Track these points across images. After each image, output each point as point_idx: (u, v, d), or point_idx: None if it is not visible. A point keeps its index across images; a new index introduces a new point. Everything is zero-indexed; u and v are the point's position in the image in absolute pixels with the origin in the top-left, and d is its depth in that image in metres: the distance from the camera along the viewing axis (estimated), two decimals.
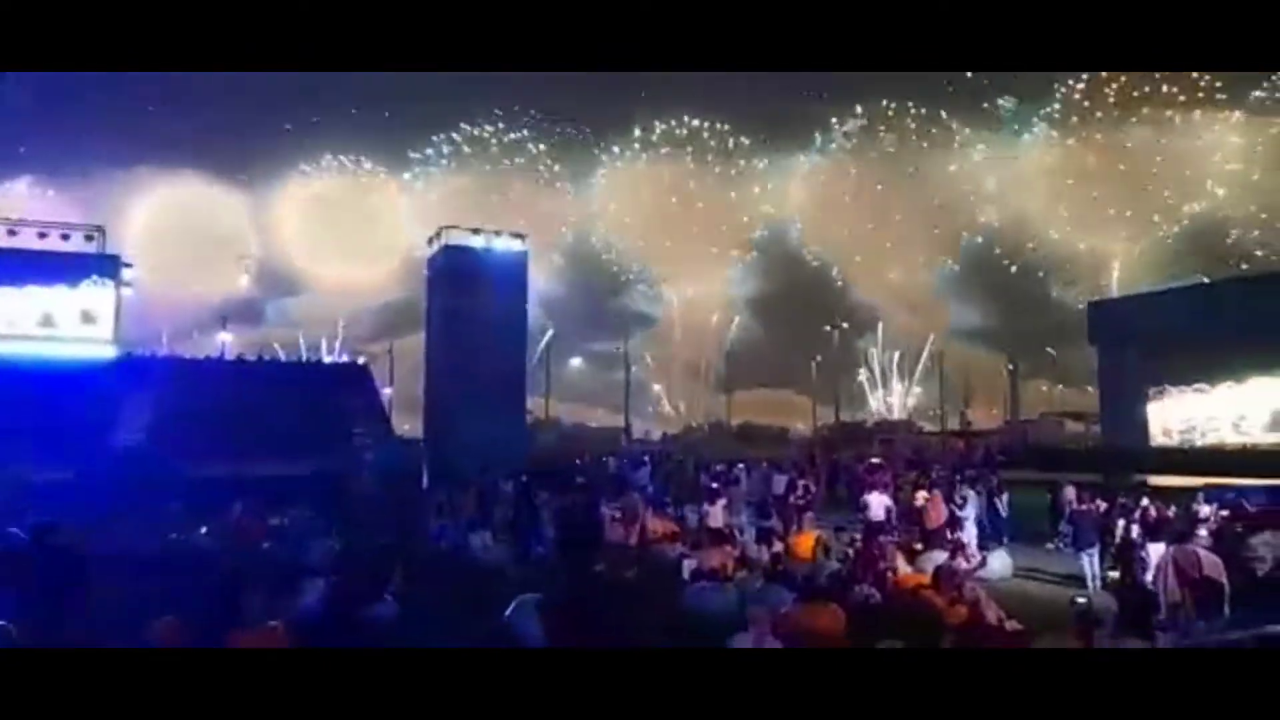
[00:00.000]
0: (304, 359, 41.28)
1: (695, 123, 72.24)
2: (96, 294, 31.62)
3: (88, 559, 13.29)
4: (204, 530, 15.76)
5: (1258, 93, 59.18)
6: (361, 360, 43.54)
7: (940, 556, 12.28)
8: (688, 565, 12.33)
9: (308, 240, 69.40)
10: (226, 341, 51.69)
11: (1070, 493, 16.33)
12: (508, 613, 8.70)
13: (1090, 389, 52.03)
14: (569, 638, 7.73)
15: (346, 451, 25.60)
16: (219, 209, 68.29)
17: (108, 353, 31.17)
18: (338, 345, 64.33)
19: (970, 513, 15.71)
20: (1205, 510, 13.79)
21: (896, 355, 74.36)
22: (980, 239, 69.74)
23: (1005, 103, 67.88)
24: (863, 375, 75.05)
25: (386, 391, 49.19)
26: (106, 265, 32.36)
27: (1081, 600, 8.55)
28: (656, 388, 78.36)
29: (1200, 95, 61.40)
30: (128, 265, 33.40)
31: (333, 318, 66.87)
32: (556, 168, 73.01)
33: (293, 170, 70.99)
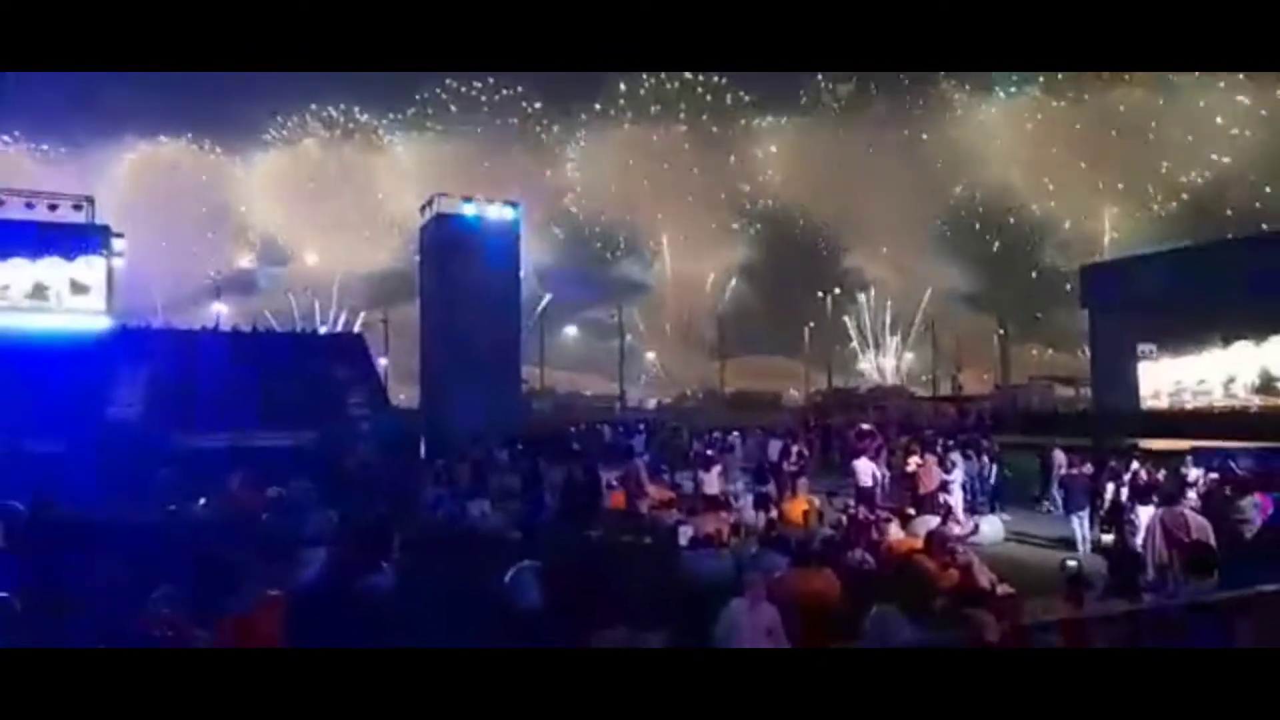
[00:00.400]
0: (299, 329, 41.15)
1: (687, 78, 71.29)
2: (87, 265, 31.38)
3: (86, 532, 13.42)
4: (202, 502, 15.80)
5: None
6: (357, 330, 43.48)
7: (932, 521, 12.41)
8: (684, 532, 12.44)
9: (302, 209, 68.87)
10: (221, 312, 51.56)
11: (1060, 456, 16.47)
12: (506, 579, 8.81)
13: (1081, 353, 52.32)
14: (567, 604, 7.83)
15: (343, 422, 25.66)
16: (212, 178, 67.77)
17: (100, 324, 31.01)
18: (333, 315, 64.24)
19: (959, 477, 15.85)
20: (1194, 473, 13.92)
21: (889, 321, 74.58)
22: (972, 203, 69.55)
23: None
24: (855, 341, 75.31)
25: (382, 361, 49.18)
26: (96, 235, 32.09)
27: (1072, 563, 8.67)
28: (650, 355, 78.44)
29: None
30: (118, 235, 33.12)
31: (328, 287, 66.67)
32: (550, 132, 72.28)
33: (286, 138, 70.26)
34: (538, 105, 71.17)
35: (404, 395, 48.78)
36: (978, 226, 69.72)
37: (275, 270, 71.34)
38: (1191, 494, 11.49)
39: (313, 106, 69.82)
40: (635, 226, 74.82)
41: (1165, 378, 35.03)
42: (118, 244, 32.76)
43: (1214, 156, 59.17)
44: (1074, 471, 13.05)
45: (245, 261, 68.26)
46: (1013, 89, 68.08)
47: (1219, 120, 59.55)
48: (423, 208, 33.54)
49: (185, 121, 65.31)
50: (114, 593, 8.24)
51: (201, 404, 24.19)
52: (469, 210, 31.92)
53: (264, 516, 14.12)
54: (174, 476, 18.87)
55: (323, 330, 39.15)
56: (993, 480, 17.19)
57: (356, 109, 70.60)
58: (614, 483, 16.51)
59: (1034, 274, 68.01)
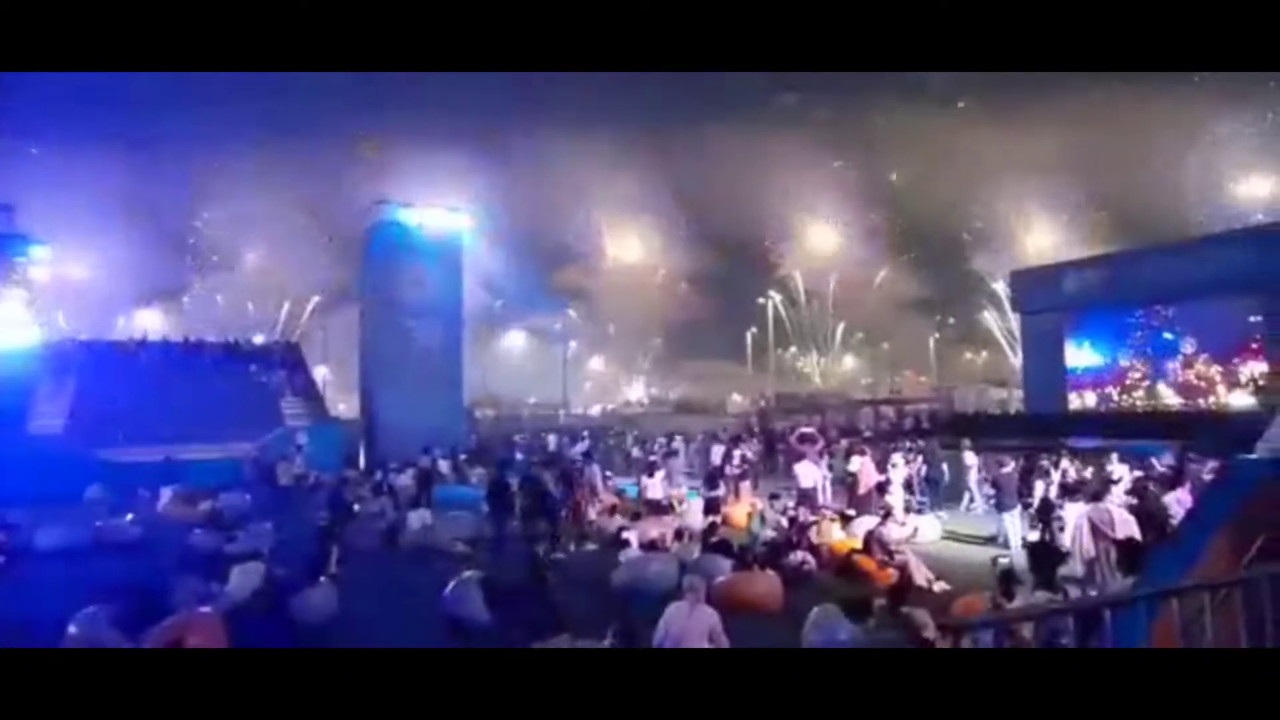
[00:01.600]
0: (233, 339, 40.03)
1: (632, 82, 71.25)
2: (7, 274, 30.12)
3: (9, 551, 12.88)
4: (130, 518, 15.29)
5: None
6: (293, 339, 42.47)
7: (871, 522, 12.63)
8: (628, 537, 12.45)
9: (238, 214, 66.92)
10: (151, 322, 49.95)
11: (969, 457, 17.33)
12: (447, 591, 8.70)
13: (1013, 356, 53.89)
14: (509, 614, 7.76)
15: (279, 433, 25.05)
16: (141, 183, 65.38)
17: (22, 336, 29.76)
18: (269, 323, 62.73)
19: (897, 478, 16.21)
20: (1119, 471, 14.42)
21: (830, 325, 75.79)
22: (910, 209, 71.06)
23: (929, 79, 69.21)
24: (796, 346, 76.32)
25: (320, 370, 48.15)
26: (16, 245, 30.82)
27: (1004, 560, 8.93)
28: (595, 362, 78.36)
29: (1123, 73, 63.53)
30: (40, 244, 31.87)
31: (264, 295, 65.06)
32: (494, 137, 71.49)
33: (220, 140, 68.09)
34: (482, 109, 70.25)
35: (343, 405, 47.84)
36: (915, 232, 71.28)
37: (209, 278, 69.24)
38: (1117, 491, 11.87)
39: (248, 107, 67.76)
40: (579, 233, 74.72)
41: (1092, 379, 36.33)
42: (40, 252, 31.52)
43: (1142, 166, 61.55)
44: (1007, 471, 13.40)
45: (177, 269, 66.09)
46: (956, 99, 69.77)
47: (1145, 130, 62.01)
48: (364, 213, 32.97)
49: (113, 123, 63.04)
50: (37, 615, 7.92)
51: (130, 417, 23.35)
52: (411, 217, 31.42)
53: (196, 532, 13.70)
54: (102, 493, 18.29)
55: (258, 339, 38.13)
56: (929, 480, 17.57)
57: (294, 111, 68.79)
58: (559, 490, 16.43)
59: (969, 279, 69.84)
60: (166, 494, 17.70)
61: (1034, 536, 11.80)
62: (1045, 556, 8.29)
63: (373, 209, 31.92)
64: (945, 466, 18.09)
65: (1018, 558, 10.40)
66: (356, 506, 16.40)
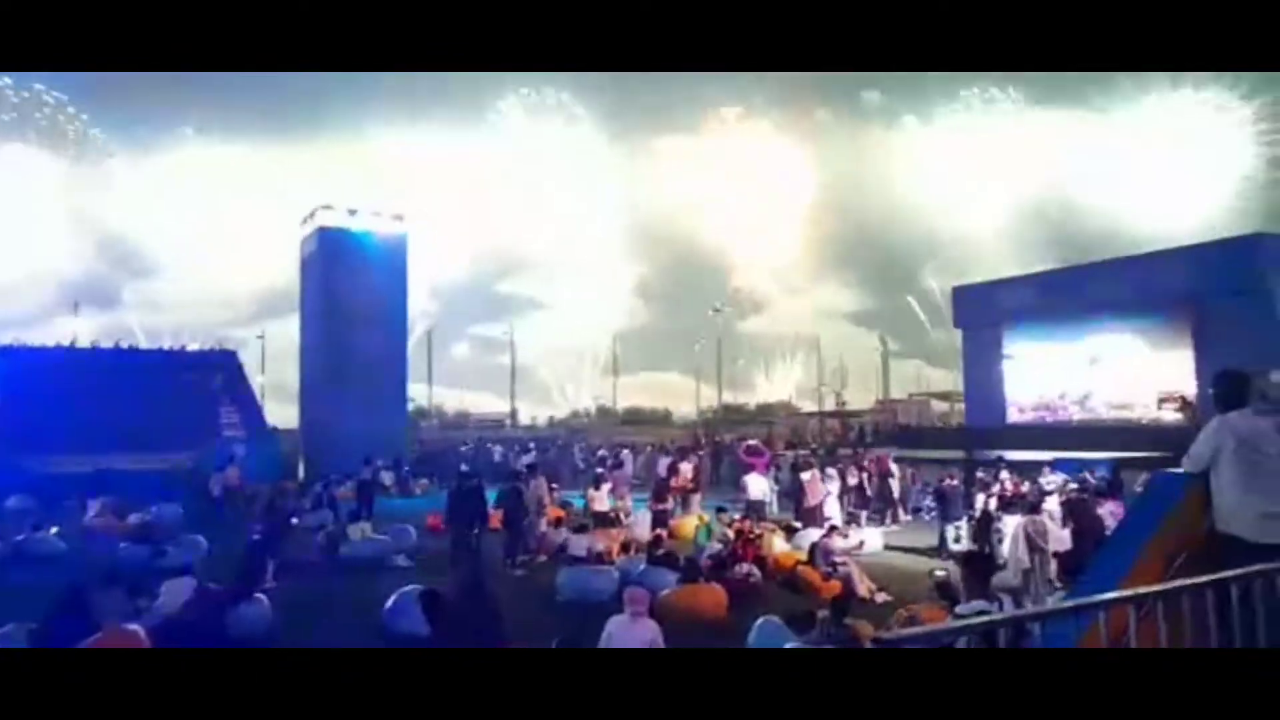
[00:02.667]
0: (167, 346, 38.84)
1: (579, 89, 71.53)
2: None
3: None
4: (54, 531, 14.71)
5: (1098, 96, 64.04)
6: (230, 346, 41.29)
7: (815, 534, 12.75)
8: (573, 549, 12.37)
9: (172, 217, 65.05)
10: (80, 328, 48.19)
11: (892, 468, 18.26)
12: (387, 606, 8.52)
13: (956, 370, 55.04)
14: (449, 628, 7.61)
15: (214, 443, 24.35)
16: (70, 184, 63.22)
17: None
18: (205, 330, 60.98)
19: (834, 489, 16.42)
20: (1054, 483, 14.81)
21: (777, 338, 76.57)
22: (856, 224, 72.33)
23: (871, 96, 70.97)
24: (744, 358, 76.93)
25: (259, 379, 46.99)
26: None
27: (940, 573, 9.08)
28: (543, 372, 78.00)
29: (1046, 93, 65.94)
30: None
31: (200, 301, 63.30)
32: (438, 142, 70.74)
33: (155, 141, 66.26)
34: (427, 114, 69.49)
35: (283, 415, 46.74)
36: (862, 246, 72.55)
37: (141, 283, 67.12)
38: (1052, 503, 12.16)
39: (185, 109, 66.07)
40: (528, 242, 74.37)
41: (1030, 394, 37.23)
42: None
43: (1080, 184, 63.80)
44: (953, 483, 13.66)
45: (107, 273, 63.89)
46: (886, 120, 71.35)
47: (1088, 149, 64.38)
48: (304, 220, 32.26)
49: (40, 121, 60.99)
50: None
51: (57, 426, 22.50)
52: (353, 223, 30.86)
53: (124, 545, 13.22)
54: (24, 504, 17.59)
55: (194, 346, 37.07)
56: (870, 492, 17.86)
57: (232, 114, 67.21)
58: (502, 501, 16.26)
59: (912, 294, 71.32)
60: (94, 506, 17.06)
61: (972, 547, 12.01)
62: (979, 567, 8.44)
63: (315, 214, 31.27)
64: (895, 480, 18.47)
65: (953, 567, 10.58)
66: (295, 519, 16.01)
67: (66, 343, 35.67)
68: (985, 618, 4.10)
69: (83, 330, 48.54)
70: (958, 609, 6.84)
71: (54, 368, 28.79)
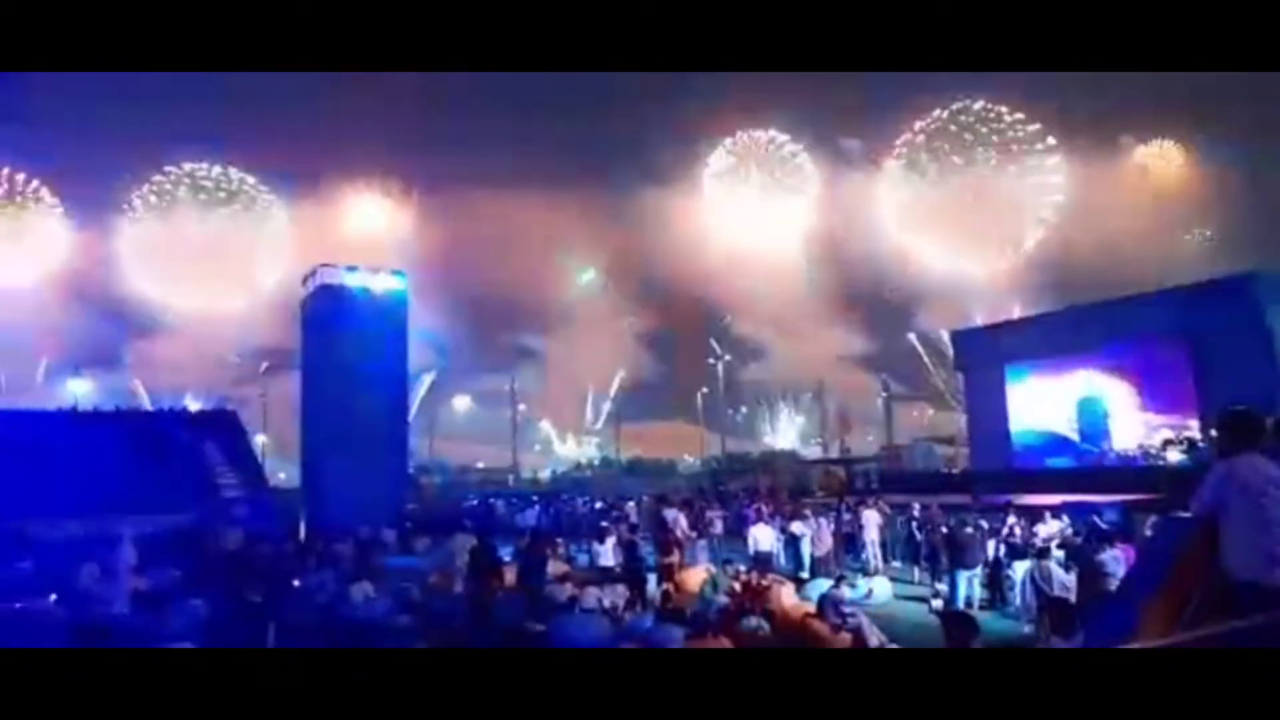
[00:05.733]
0: (166, 407, 38.79)
1: (581, 142, 72.67)
2: None
3: None
4: (53, 598, 14.49)
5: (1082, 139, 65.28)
6: (230, 406, 41.32)
7: (824, 585, 12.58)
8: (579, 606, 12.18)
9: (173, 278, 65.46)
10: (81, 390, 48.29)
11: (870, 515, 18.01)
12: None
13: (958, 413, 54.91)
14: None
15: (214, 504, 24.17)
16: (70, 245, 63.76)
17: None
18: (206, 390, 61.04)
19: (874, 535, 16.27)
20: (1059, 528, 14.62)
21: (780, 386, 76.49)
22: (855, 269, 72.70)
23: (850, 144, 72.28)
24: (747, 406, 76.75)
25: (260, 438, 46.86)
26: None
27: (936, 602, 8.87)
28: (544, 424, 77.72)
29: (1030, 137, 67.18)
30: None
31: (200, 361, 63.35)
32: (438, 197, 71.52)
33: (155, 201, 66.94)
34: (427, 169, 70.42)
35: (283, 474, 46.49)
36: (861, 290, 72.84)
37: (142, 344, 67.17)
38: (1059, 549, 12.02)
39: (185, 167, 66.96)
40: (528, 293, 74.74)
41: (1035, 436, 37.04)
42: None
43: (1077, 225, 64.61)
44: (969, 530, 13.49)
45: (108, 335, 63.99)
46: (867, 166, 72.39)
47: (1080, 193, 65.40)
48: (305, 278, 32.51)
49: (37, 179, 61.80)
50: None
51: (56, 490, 22.36)
52: (353, 280, 31.09)
53: (123, 611, 13.04)
54: (25, 570, 17.38)
55: (194, 407, 37.03)
56: (879, 541, 17.66)
57: (233, 170, 68.12)
58: (507, 558, 16.09)
59: (913, 337, 71.44)
60: (93, 570, 16.85)
61: (984, 595, 11.85)
62: (960, 627, 8.24)
63: (315, 272, 31.53)
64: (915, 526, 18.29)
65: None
66: (296, 580, 15.80)
67: (68, 405, 35.71)
68: None
69: (84, 392, 48.71)
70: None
71: (53, 430, 28.72)
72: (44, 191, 62.72)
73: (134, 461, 25.55)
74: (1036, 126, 66.97)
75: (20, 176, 61.87)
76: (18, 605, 14.00)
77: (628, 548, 15.57)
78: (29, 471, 23.66)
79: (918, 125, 69.50)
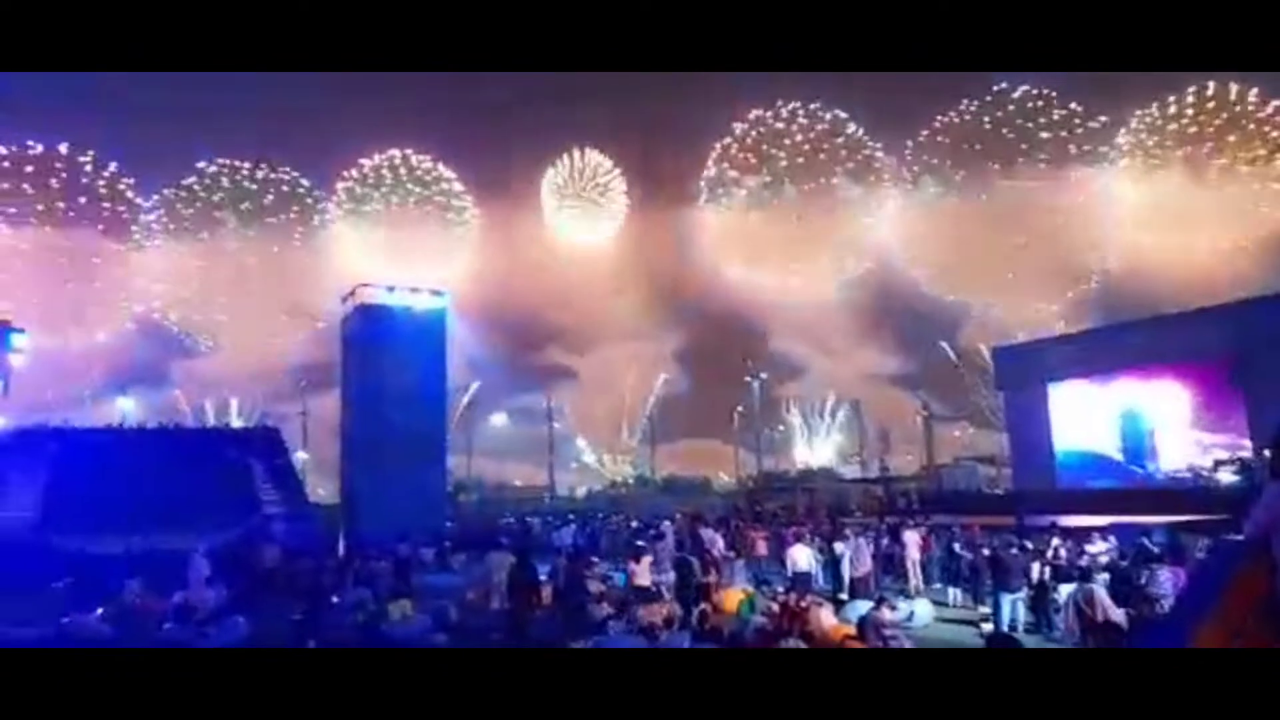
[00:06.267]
0: (210, 424, 39.51)
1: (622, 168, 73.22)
2: None
3: None
4: (99, 612, 14.77)
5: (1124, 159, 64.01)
6: (272, 424, 42.02)
7: (864, 606, 12.38)
8: (614, 626, 12.13)
9: (217, 297, 66.90)
10: (128, 408, 49.44)
11: (909, 536, 17.56)
12: None
13: (999, 433, 53.98)
14: None
15: (255, 521, 24.54)
16: (116, 265, 65.44)
17: None
18: (250, 407, 62.20)
19: (854, 556, 15.99)
20: (1106, 550, 14.26)
21: (817, 403, 75.82)
22: (891, 286, 71.97)
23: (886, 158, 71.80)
24: (784, 425, 76.17)
25: (301, 455, 47.55)
26: None
27: (986, 625, 8.70)
28: (580, 442, 77.84)
29: (1082, 151, 65.87)
30: (19, 331, 31.69)
31: (243, 379, 64.53)
32: (479, 217, 72.41)
33: (197, 220, 68.49)
34: (464, 189, 71.49)
35: (323, 490, 47.10)
36: (898, 307, 72.01)
37: (187, 362, 68.66)
38: (1105, 572, 11.73)
39: (226, 185, 68.59)
40: (565, 312, 75.16)
41: (1080, 456, 36.25)
42: (18, 340, 31.31)
43: (1118, 242, 63.48)
44: (1013, 552, 13.21)
45: (155, 354, 65.49)
46: (932, 188, 71.54)
47: (1121, 209, 64.19)
48: (345, 297, 33.00)
49: (88, 205, 63.68)
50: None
51: (104, 507, 22.87)
52: (393, 299, 31.44)
53: (166, 626, 13.25)
54: (71, 585, 17.72)
55: (237, 424, 37.72)
56: (920, 562, 17.36)
57: (273, 193, 69.61)
58: (544, 577, 16.09)
59: (954, 355, 70.35)
60: (136, 586, 17.16)
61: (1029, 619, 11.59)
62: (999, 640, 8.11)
63: (355, 292, 31.98)
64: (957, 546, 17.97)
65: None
66: (335, 598, 15.95)
67: (115, 423, 36.58)
68: None
69: (131, 410, 49.84)
70: None
71: (100, 448, 29.44)
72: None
73: (177, 479, 26.06)
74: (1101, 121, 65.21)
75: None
76: (65, 620, 14.29)
77: (679, 567, 15.44)
78: (78, 488, 24.26)
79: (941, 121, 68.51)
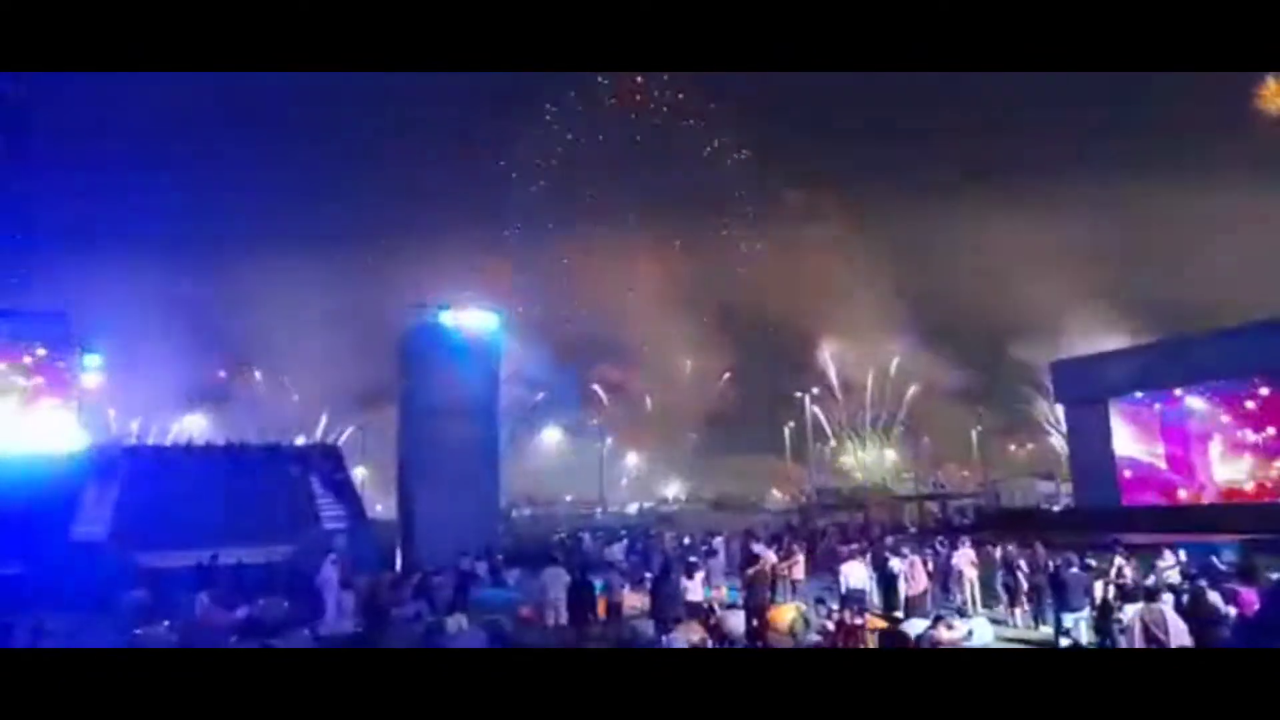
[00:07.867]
0: (273, 441, 40.66)
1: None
2: (60, 381, 31.13)
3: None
4: (166, 624, 15.25)
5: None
6: (332, 439, 42.99)
7: (920, 625, 12.18)
8: (666, 642, 12.14)
9: (281, 317, 68.64)
10: (196, 425, 51.00)
11: (961, 555, 17.02)
12: None
13: (1059, 447, 52.65)
14: None
15: (316, 535, 25.07)
16: (185, 286, 67.60)
17: (68, 442, 30.54)
18: (315, 424, 63.62)
19: (909, 574, 15.71)
20: (1173, 568, 13.83)
21: (869, 419, 74.91)
22: (948, 298, 70.92)
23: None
24: (835, 440, 75.36)
25: (360, 471, 48.47)
26: (72, 354, 31.93)
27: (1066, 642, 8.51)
28: (631, 458, 77.93)
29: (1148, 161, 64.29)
30: (93, 353, 32.97)
31: (306, 397, 66.13)
32: (534, 236, 73.49)
33: (261, 241, 70.51)
34: (520, 207, 72.77)
35: (381, 506, 47.96)
36: (953, 322, 70.90)
37: (253, 381, 70.68)
38: (1170, 592, 11.36)
39: (287, 211, 70.67)
40: (618, 329, 75.57)
41: (1144, 471, 35.21)
42: (93, 360, 32.55)
43: (1179, 254, 61.69)
44: (1075, 571, 12.91)
45: (221, 372, 67.57)
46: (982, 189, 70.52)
47: (1182, 220, 62.41)
48: (403, 314, 33.69)
49: (154, 225, 66.11)
50: None
51: (172, 521, 23.62)
52: (448, 318, 31.95)
53: (233, 639, 13.63)
54: (142, 599, 18.29)
55: (299, 441, 38.72)
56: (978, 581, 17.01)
57: (333, 214, 71.46)
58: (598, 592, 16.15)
59: (1009, 369, 68.93)
60: (204, 599, 17.66)
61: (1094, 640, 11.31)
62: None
63: (412, 312, 32.62)
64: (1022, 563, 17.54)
65: None
66: (393, 610, 16.21)
67: (184, 440, 37.78)
68: None
69: (198, 427, 51.42)
70: None
71: (169, 464, 30.46)
72: None
73: (241, 494, 26.80)
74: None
75: None
76: (137, 632, 14.77)
77: (749, 585, 15.40)
78: (149, 504, 25.09)
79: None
